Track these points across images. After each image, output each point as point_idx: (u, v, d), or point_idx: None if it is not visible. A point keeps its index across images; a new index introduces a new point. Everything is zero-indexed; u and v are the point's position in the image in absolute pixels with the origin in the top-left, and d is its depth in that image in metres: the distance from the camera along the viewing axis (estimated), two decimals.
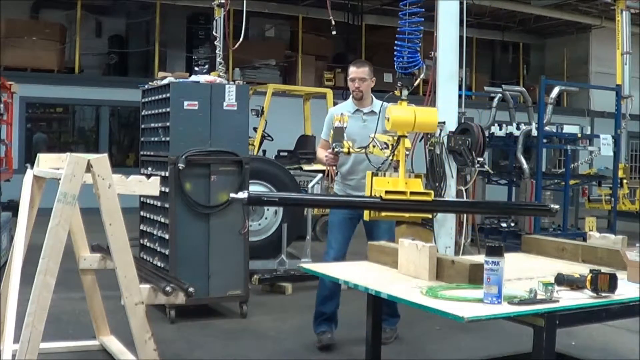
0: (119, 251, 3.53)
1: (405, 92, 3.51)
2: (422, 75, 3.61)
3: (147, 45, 15.05)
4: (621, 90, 10.92)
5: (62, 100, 14.34)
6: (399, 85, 3.56)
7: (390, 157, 3.47)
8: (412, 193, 3.31)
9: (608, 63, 15.49)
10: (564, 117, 13.81)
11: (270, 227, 7.38)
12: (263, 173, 7.10)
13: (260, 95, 10.18)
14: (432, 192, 3.37)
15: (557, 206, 3.40)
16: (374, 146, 3.69)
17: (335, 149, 3.80)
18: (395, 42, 3.53)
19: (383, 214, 3.47)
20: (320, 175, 8.54)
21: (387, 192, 3.30)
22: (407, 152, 3.79)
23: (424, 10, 3.45)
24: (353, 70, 4.89)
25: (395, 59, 3.54)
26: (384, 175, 3.43)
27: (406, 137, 3.45)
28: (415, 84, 3.56)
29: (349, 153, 3.80)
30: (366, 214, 3.55)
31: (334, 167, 5.02)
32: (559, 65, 19.28)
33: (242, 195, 3.11)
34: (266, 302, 6.21)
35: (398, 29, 3.53)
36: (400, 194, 3.31)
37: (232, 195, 3.20)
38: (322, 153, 4.84)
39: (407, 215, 3.45)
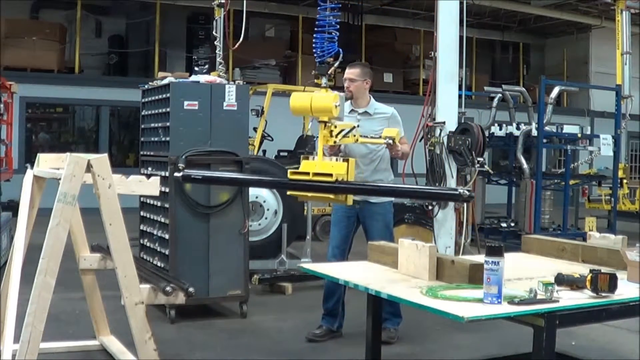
0: (119, 251, 3.53)
1: (324, 80, 3.64)
2: (337, 63, 3.68)
3: (147, 45, 15.04)
4: (621, 90, 10.92)
5: (62, 100, 14.34)
6: (314, 73, 3.70)
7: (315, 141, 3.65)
8: (314, 174, 3.40)
9: (608, 63, 15.50)
10: (564, 117, 13.81)
11: (270, 227, 7.38)
12: (263, 173, 7.10)
13: (260, 95, 10.17)
14: (337, 174, 3.40)
15: (466, 191, 3.27)
16: (354, 135, 3.85)
17: None
18: (314, 35, 3.69)
19: (288, 192, 3.67)
20: None
21: (292, 172, 3.46)
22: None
23: (340, 5, 3.63)
24: (345, 72, 5.03)
25: (314, 50, 3.69)
26: (313, 158, 3.55)
27: (325, 122, 3.54)
28: (330, 70, 3.66)
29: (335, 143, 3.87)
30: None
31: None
32: (559, 65, 19.29)
33: (179, 174, 3.67)
34: (266, 302, 6.21)
35: (316, 22, 3.69)
36: (304, 175, 3.43)
37: (175, 174, 3.70)
38: None
39: (309, 194, 3.59)
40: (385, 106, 5.09)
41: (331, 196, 3.59)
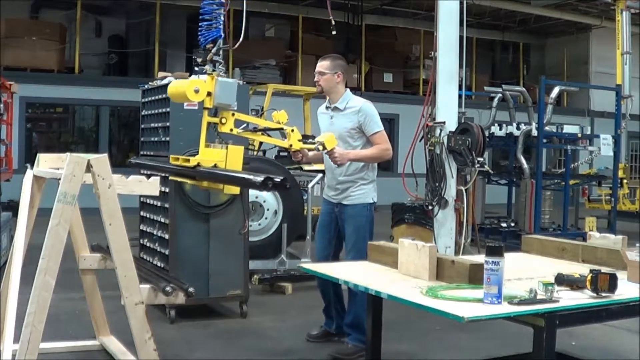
0: (119, 251, 3.53)
1: (208, 67, 3.77)
2: (215, 48, 3.80)
3: (147, 45, 15.05)
4: (621, 90, 10.93)
5: (62, 100, 14.33)
6: (199, 61, 3.87)
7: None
8: (183, 159, 3.72)
9: (608, 63, 15.51)
10: (564, 117, 13.81)
11: (270, 227, 7.37)
12: (263, 173, 7.08)
13: (260, 95, 10.17)
14: (198, 161, 3.66)
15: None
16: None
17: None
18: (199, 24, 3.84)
19: (170, 177, 4.10)
20: (320, 175, 8.53)
21: (173, 158, 3.83)
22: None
23: None
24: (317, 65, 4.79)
25: (199, 40, 3.85)
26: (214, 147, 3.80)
27: (208, 108, 3.71)
28: (209, 56, 3.77)
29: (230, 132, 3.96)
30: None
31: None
32: (559, 65, 19.28)
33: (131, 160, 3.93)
34: (266, 302, 6.21)
35: (200, 11, 3.86)
36: (176, 160, 3.79)
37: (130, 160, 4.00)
38: None
39: (178, 178, 3.99)
40: (358, 99, 4.74)
41: (188, 180, 3.85)
